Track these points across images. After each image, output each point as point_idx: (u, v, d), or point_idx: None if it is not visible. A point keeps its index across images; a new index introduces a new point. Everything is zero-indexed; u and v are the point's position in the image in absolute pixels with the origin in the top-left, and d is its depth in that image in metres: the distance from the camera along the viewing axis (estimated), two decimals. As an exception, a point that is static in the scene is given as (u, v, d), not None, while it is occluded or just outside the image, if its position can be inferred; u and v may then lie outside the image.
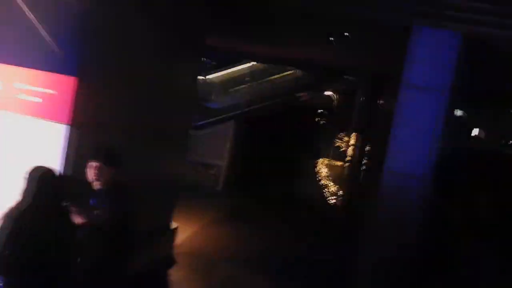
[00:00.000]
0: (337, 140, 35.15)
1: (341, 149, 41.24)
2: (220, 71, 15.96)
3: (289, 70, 15.80)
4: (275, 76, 15.73)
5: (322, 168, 28.71)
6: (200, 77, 15.91)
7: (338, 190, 18.24)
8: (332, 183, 21.02)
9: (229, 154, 15.60)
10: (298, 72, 15.56)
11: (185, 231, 9.34)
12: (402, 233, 7.03)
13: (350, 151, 18.27)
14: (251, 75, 15.70)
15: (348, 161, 16.74)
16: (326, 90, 26.79)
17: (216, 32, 9.24)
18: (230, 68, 15.95)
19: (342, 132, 39.06)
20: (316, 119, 31.50)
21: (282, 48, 11.45)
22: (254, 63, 15.59)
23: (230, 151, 15.52)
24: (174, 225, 8.53)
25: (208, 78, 15.67)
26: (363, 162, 13.88)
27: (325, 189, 19.86)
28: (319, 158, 35.82)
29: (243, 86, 15.71)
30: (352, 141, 17.42)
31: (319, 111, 31.21)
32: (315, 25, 8.63)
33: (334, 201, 17.37)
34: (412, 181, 7.08)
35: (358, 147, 14.73)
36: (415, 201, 7.03)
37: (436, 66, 7.25)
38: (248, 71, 15.76)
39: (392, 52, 8.14)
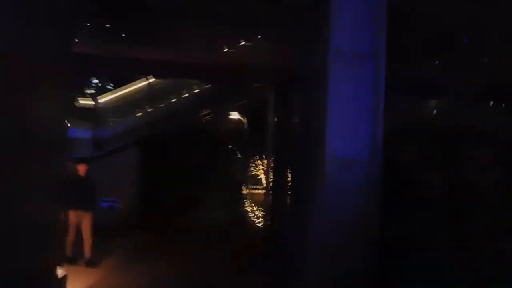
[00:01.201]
0: (252, 166, 34.12)
1: (258, 177, 40.19)
2: (114, 92, 13.84)
3: (191, 87, 14.11)
4: (175, 95, 13.91)
5: (240, 197, 27.37)
6: (91, 102, 13.75)
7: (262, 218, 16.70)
8: (254, 212, 19.56)
9: (129, 188, 13.39)
10: (199, 87, 13.92)
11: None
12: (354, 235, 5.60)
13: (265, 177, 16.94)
14: (148, 95, 13.78)
15: (266, 188, 15.26)
16: (232, 112, 25.60)
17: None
18: (125, 88, 13.88)
19: (256, 158, 38.15)
20: (227, 145, 30.25)
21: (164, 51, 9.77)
22: (151, 80, 13.72)
23: (130, 184, 13.33)
24: (60, 273, 6.44)
25: (100, 102, 13.47)
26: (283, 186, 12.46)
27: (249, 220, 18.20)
28: (235, 187, 34.51)
29: (140, 108, 13.71)
30: (266, 167, 16.06)
31: (230, 136, 30.14)
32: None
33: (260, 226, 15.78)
34: (359, 165, 5.67)
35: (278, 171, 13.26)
36: (364, 189, 5.62)
37: (364, 27, 5.99)
38: (145, 91, 13.82)
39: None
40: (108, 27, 7.98)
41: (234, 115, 26.73)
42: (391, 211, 6.58)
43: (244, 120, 28.02)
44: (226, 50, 9.36)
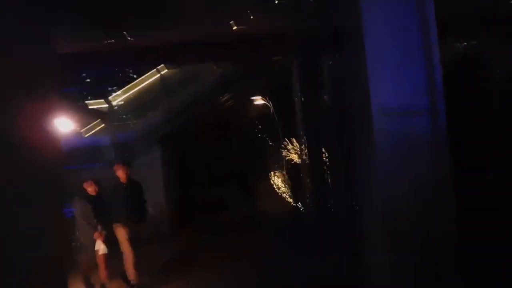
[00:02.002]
0: (283, 149, 33.09)
1: (292, 161, 39.11)
2: (126, 91, 12.99)
3: (209, 72, 13.07)
4: (192, 83, 12.93)
5: (277, 182, 26.42)
6: (104, 104, 12.96)
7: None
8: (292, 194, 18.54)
9: (165, 187, 12.55)
10: (217, 71, 12.86)
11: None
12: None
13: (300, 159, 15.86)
14: (164, 88, 12.85)
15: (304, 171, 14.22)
16: (256, 97, 24.54)
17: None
18: (137, 85, 13.01)
19: (287, 141, 37.06)
20: (255, 132, 29.28)
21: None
22: (163, 72, 12.79)
23: (165, 183, 12.49)
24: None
25: (114, 103, 12.65)
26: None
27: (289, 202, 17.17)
28: (269, 172, 33.56)
29: (158, 103, 12.81)
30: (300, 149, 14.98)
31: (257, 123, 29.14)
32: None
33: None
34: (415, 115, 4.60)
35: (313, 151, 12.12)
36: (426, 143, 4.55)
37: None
38: (159, 84, 12.90)
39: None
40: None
41: (259, 101, 25.70)
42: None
43: (270, 105, 26.93)
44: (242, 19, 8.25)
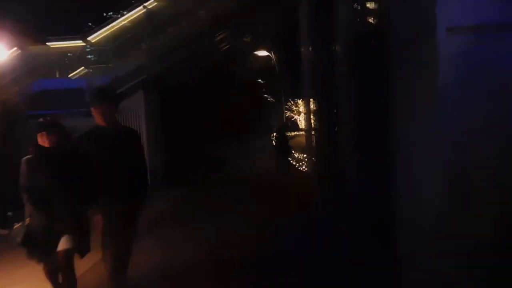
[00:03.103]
0: (286, 109, 31.21)
1: (293, 119, 37.43)
2: (104, 27, 11.02)
3: (201, 5, 11.03)
4: (183, 19, 10.91)
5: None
6: (79, 42, 11.04)
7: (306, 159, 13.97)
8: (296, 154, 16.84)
9: (150, 140, 10.81)
10: (211, 5, 10.82)
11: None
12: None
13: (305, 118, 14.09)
14: (149, 24, 10.88)
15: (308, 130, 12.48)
16: (259, 48, 22.56)
17: None
18: (117, 20, 11.04)
19: (291, 101, 35.24)
20: (256, 86, 27.31)
21: None
22: (153, 4, 10.80)
23: (148, 136, 10.74)
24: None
25: (90, 41, 10.72)
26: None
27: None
28: (271, 132, 31.82)
29: (142, 42, 10.87)
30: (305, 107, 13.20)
31: (258, 75, 27.14)
32: None
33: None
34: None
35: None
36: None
37: None
38: (144, 19, 10.92)
39: None
40: None
41: (260, 51, 23.69)
42: None
43: (273, 56, 24.91)
44: None
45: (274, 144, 16.35)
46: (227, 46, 15.43)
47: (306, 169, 13.27)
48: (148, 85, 10.76)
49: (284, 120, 27.55)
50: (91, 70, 10.76)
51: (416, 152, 3.56)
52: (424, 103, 3.39)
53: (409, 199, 3.74)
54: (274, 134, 16.11)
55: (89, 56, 10.84)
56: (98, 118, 3.95)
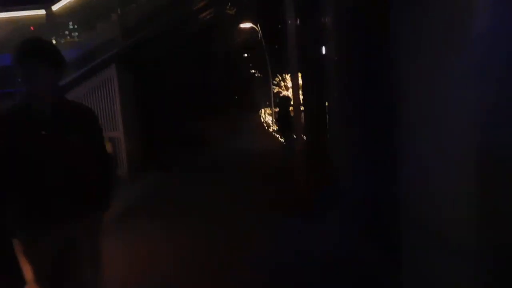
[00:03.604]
0: (274, 85, 30.25)
1: (281, 95, 36.66)
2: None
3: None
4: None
5: (268, 120, 23.99)
6: (39, 12, 9.96)
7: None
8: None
9: (125, 120, 9.92)
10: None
11: None
12: None
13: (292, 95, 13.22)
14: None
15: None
16: (244, 20, 21.49)
17: None
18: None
19: (279, 77, 34.33)
20: (240, 61, 26.27)
21: None
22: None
23: (123, 113, 9.83)
24: None
25: (53, 10, 9.66)
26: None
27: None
28: (258, 108, 31.00)
29: (111, 11, 9.83)
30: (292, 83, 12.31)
31: (241, 50, 26.05)
32: None
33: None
34: None
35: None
36: None
37: None
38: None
39: None
40: None
41: (245, 23, 22.59)
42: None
43: (258, 29, 23.82)
44: None
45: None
46: (209, 17, 14.42)
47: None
48: (120, 59, 9.78)
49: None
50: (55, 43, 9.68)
51: (432, 137, 2.76)
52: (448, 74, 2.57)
53: (420, 196, 2.95)
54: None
55: (53, 28, 9.77)
56: (27, 90, 2.49)
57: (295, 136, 8.81)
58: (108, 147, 9.70)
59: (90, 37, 9.84)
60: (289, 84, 39.28)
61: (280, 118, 10.99)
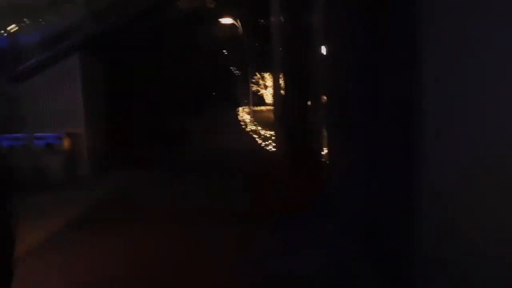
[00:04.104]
0: (252, 83, 29.47)
1: (259, 93, 35.88)
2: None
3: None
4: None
5: (245, 118, 23.23)
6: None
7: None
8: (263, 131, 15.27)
9: (89, 114, 9.00)
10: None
11: None
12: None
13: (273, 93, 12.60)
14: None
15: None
16: (224, 16, 20.65)
17: None
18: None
19: (258, 75, 33.55)
20: (219, 57, 25.36)
21: None
22: None
23: (87, 106, 8.91)
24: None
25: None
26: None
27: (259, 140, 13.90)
28: (237, 107, 30.16)
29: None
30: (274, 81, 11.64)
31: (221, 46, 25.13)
32: None
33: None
34: None
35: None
36: None
37: None
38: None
39: None
40: None
41: (225, 18, 21.75)
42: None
43: (239, 24, 23.00)
44: None
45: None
46: (188, 9, 13.59)
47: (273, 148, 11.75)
48: (86, 46, 8.85)
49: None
50: (14, 27, 8.72)
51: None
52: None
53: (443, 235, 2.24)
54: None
55: (11, 9, 8.78)
56: None
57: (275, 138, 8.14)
58: (66, 143, 8.82)
59: (54, 20, 8.89)
60: (268, 82, 38.61)
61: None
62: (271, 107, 37.58)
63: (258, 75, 34.08)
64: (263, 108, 35.04)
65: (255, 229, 5.23)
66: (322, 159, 7.46)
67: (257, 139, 14.23)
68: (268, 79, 36.94)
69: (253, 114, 22.22)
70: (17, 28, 8.90)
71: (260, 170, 8.99)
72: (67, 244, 4.99)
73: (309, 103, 8.03)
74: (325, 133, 6.65)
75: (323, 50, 7.01)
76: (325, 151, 7.77)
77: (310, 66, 7.91)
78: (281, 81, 9.87)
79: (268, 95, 38.14)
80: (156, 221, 5.84)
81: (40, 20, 9.02)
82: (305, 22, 8.11)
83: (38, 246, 4.89)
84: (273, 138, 12.91)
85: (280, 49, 9.89)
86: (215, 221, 5.67)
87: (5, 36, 8.69)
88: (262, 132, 15.14)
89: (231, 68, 31.49)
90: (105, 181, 8.68)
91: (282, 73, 9.74)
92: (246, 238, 4.95)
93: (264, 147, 12.47)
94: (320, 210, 5.32)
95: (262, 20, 18.66)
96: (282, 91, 9.02)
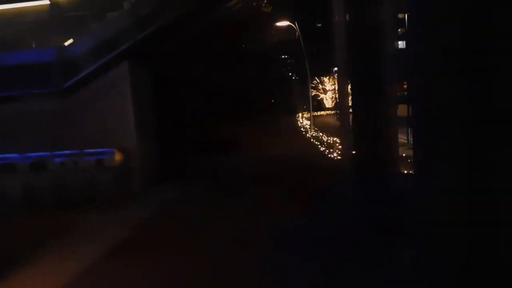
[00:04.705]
0: (313, 89, 28.45)
1: (319, 98, 34.85)
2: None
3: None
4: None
5: (306, 125, 22.25)
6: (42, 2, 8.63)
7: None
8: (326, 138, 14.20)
9: (139, 126, 8.47)
10: None
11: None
12: None
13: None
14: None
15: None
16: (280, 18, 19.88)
17: None
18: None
19: (317, 79, 32.54)
20: (276, 63, 24.55)
21: None
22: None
23: (137, 119, 8.39)
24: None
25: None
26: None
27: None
28: (295, 113, 29.19)
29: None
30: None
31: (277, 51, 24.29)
32: None
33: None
34: None
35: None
36: None
37: None
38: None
39: None
40: None
41: (281, 21, 20.94)
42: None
43: (296, 27, 22.10)
44: None
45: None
46: (242, 13, 12.89)
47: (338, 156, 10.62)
48: (134, 55, 8.35)
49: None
50: (60, 38, 8.38)
51: None
52: None
53: None
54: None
55: (57, 20, 8.44)
56: None
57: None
58: (117, 158, 8.30)
59: (100, 29, 8.45)
60: (327, 86, 37.39)
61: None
62: (331, 112, 36.48)
63: (317, 80, 33.03)
64: (322, 113, 33.88)
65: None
66: (398, 170, 6.43)
67: (319, 146, 13.19)
68: (328, 83, 35.77)
69: (313, 119, 21.22)
70: (66, 40, 8.54)
71: (326, 182, 8.01)
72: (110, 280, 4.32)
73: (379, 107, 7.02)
74: (401, 140, 5.63)
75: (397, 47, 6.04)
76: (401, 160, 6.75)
77: (381, 67, 6.92)
78: (346, 85, 8.89)
79: (327, 99, 36.93)
80: (213, 247, 5.09)
81: (86, 30, 8.61)
82: (374, 19, 7.15)
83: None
84: (337, 144, 11.89)
85: (345, 50, 8.87)
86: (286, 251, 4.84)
87: (52, 49, 8.35)
88: (325, 138, 14.09)
89: (288, 73, 30.68)
90: (157, 198, 8.08)
91: (348, 76, 8.73)
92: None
93: (328, 155, 11.35)
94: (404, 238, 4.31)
95: (319, 24, 17.70)
96: (348, 95, 8.02)
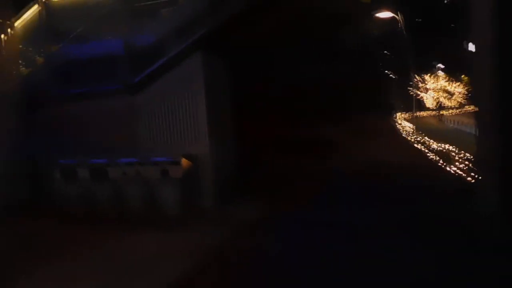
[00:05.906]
0: (412, 87, 25.76)
1: (419, 96, 31.74)
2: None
3: None
4: None
5: (407, 127, 19.87)
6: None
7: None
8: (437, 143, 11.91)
9: (213, 129, 7.13)
10: None
11: None
12: None
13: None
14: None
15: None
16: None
17: None
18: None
19: (417, 77, 29.60)
20: (375, 57, 22.36)
21: None
22: None
23: (210, 122, 7.06)
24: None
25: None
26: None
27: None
28: (393, 113, 26.59)
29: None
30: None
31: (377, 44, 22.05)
32: None
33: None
34: None
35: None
36: None
37: None
38: None
39: None
40: None
41: (382, 12, 18.77)
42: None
43: (399, 18, 19.78)
44: None
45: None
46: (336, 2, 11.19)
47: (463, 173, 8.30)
48: (208, 45, 7.02)
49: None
50: (126, 26, 7.30)
51: None
52: None
53: None
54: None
55: (124, 7, 7.38)
56: None
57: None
58: (184, 167, 6.98)
59: (170, 15, 7.26)
60: (429, 85, 34.07)
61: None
62: (432, 113, 33.19)
63: (418, 77, 30.01)
64: (423, 113, 30.83)
65: None
66: None
67: (429, 154, 10.97)
68: (429, 81, 32.55)
69: (415, 121, 18.82)
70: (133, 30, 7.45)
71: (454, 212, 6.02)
72: None
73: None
74: None
75: None
76: None
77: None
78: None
79: (428, 99, 33.67)
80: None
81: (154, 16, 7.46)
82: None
83: None
84: (453, 154, 9.71)
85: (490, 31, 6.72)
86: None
87: (119, 41, 7.31)
88: (434, 145, 11.77)
89: (385, 70, 28.22)
90: (233, 217, 6.62)
91: (494, 64, 6.61)
92: None
93: (446, 167, 9.07)
94: None
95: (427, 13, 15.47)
96: (490, 91, 5.96)
